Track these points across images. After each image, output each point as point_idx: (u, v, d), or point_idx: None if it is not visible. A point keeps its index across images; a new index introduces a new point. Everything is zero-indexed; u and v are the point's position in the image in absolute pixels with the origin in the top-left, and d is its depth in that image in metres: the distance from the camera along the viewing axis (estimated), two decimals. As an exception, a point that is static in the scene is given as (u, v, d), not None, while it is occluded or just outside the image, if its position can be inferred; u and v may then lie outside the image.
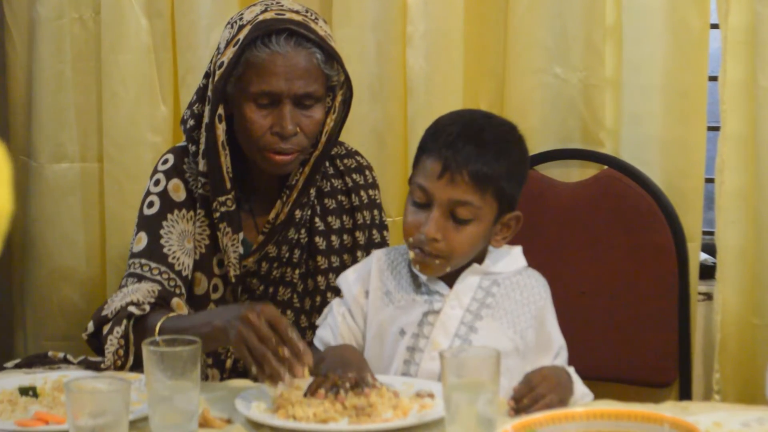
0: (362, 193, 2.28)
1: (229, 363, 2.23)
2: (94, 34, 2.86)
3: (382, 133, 2.71)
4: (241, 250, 2.19)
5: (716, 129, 2.52)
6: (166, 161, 2.22)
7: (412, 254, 1.98)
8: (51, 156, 2.91)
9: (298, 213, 2.20)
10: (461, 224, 1.93)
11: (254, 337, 1.80)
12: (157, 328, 1.96)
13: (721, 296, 2.51)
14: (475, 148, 1.92)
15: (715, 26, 2.52)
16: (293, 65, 2.07)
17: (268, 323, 1.80)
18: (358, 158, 2.31)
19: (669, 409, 1.79)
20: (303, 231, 2.24)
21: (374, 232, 2.28)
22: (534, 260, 2.09)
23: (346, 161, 2.29)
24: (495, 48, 2.67)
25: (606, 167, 2.60)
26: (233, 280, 2.18)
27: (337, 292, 2.14)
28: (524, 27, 2.61)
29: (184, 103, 2.79)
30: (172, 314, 2.03)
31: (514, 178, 1.96)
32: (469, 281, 2.01)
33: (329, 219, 2.25)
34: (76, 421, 1.58)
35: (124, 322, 2.02)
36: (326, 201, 2.25)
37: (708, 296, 2.60)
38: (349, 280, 2.09)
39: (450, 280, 2.01)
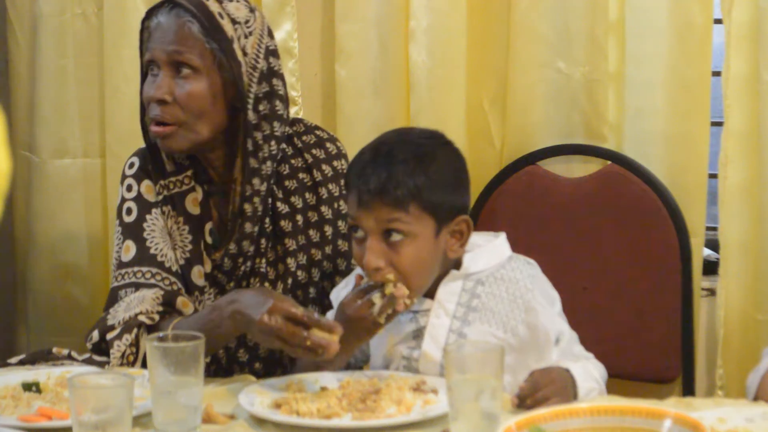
0: (324, 166, 2.23)
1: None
2: (97, 29, 2.86)
3: (385, 129, 2.67)
4: (209, 240, 2.19)
5: (719, 124, 2.52)
6: (132, 165, 2.24)
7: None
8: (53, 152, 2.92)
9: (248, 207, 2.14)
10: (398, 246, 1.90)
11: (278, 341, 1.84)
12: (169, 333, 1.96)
13: (724, 292, 2.51)
14: (385, 170, 1.90)
15: (718, 21, 2.52)
16: (166, 31, 2.11)
17: (287, 318, 1.84)
18: (318, 132, 2.27)
19: (672, 405, 1.78)
20: (267, 220, 2.19)
21: (342, 203, 2.22)
22: (537, 255, 2.08)
23: (305, 138, 2.25)
24: (498, 43, 2.66)
25: (609, 162, 2.60)
26: (182, 261, 2.18)
27: (308, 270, 2.18)
28: (527, 22, 2.61)
29: (186, 99, 2.78)
30: (178, 319, 2.05)
31: (439, 186, 1.92)
32: (450, 288, 1.97)
33: (292, 199, 2.21)
34: (79, 417, 1.58)
35: (135, 330, 2.03)
36: (287, 183, 2.21)
37: (711, 292, 2.60)
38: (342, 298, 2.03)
39: (431, 292, 1.98)
